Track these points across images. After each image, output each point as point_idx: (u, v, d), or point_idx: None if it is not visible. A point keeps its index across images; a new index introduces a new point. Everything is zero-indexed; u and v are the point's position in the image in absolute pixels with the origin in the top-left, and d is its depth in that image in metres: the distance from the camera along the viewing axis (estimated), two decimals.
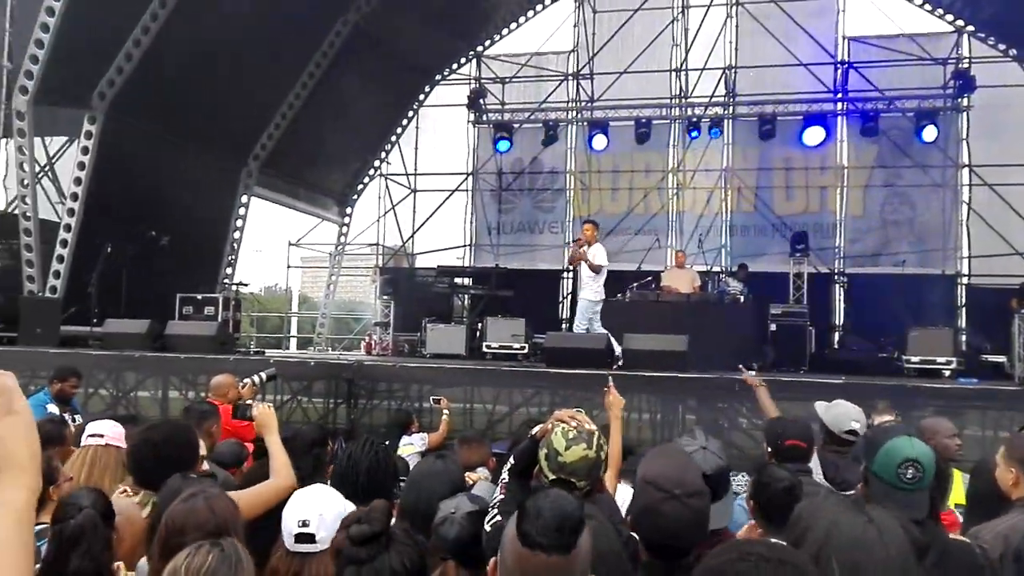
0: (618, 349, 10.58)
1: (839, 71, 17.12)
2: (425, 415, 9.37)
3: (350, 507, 2.63)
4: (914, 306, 13.62)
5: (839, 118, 17.21)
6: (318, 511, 2.54)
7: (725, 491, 2.76)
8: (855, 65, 17.00)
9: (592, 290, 11.17)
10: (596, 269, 11.00)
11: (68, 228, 12.48)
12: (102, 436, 3.69)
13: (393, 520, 2.36)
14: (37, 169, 13.06)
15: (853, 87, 16.99)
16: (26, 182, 12.37)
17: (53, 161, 14.64)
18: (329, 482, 3.03)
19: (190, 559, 2.02)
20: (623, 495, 3.32)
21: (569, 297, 17.98)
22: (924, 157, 16.39)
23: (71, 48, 11.90)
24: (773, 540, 1.63)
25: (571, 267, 11.52)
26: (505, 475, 2.66)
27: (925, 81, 16.36)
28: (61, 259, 12.41)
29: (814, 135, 16.22)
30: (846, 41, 17.31)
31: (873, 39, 16.99)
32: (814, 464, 3.97)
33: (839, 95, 17.08)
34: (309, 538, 2.51)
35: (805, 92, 16.77)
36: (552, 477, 2.45)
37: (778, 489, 2.96)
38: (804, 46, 16.59)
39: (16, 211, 12.91)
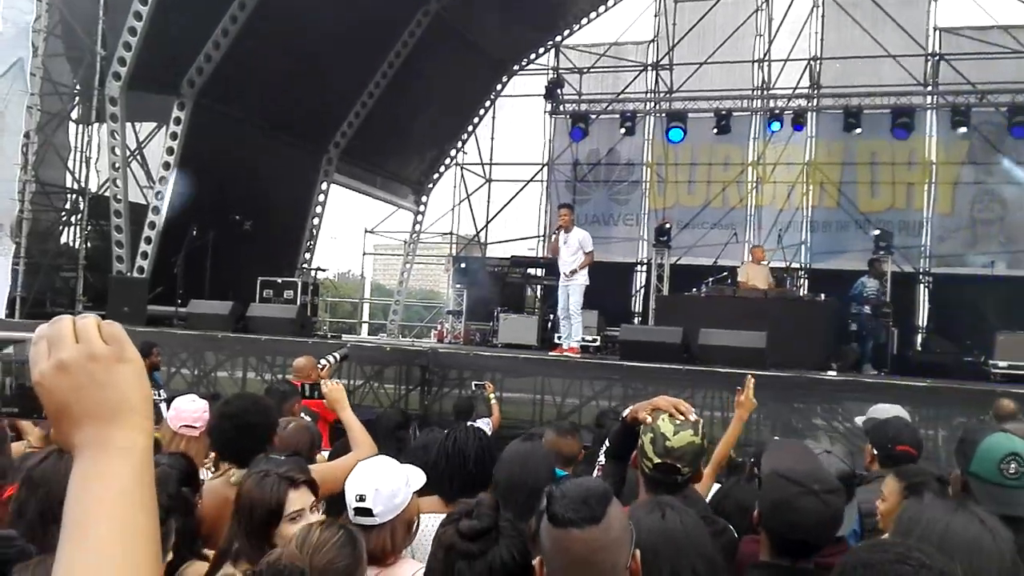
0: None
1: (929, 63, 16.55)
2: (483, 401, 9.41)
3: (412, 479, 2.65)
4: (1002, 309, 13.11)
5: (928, 112, 16.65)
6: (374, 485, 2.57)
7: (849, 498, 2.67)
8: (946, 57, 16.41)
9: (584, 274, 10.95)
10: (587, 260, 10.84)
11: (156, 211, 12.87)
12: (195, 429, 3.78)
13: None
14: (127, 153, 13.47)
15: (944, 80, 16.41)
16: (117, 166, 12.79)
17: (143, 146, 15.11)
18: (429, 467, 3.04)
19: (320, 531, 2.07)
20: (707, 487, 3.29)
21: (642, 289, 17.85)
22: (1018, 154, 15.73)
23: (162, 36, 12.25)
24: (930, 547, 1.58)
25: (553, 256, 11.37)
26: (602, 458, 2.67)
27: (1020, 75, 15.69)
28: (149, 240, 12.81)
29: (901, 132, 15.71)
30: (937, 32, 16.71)
31: (966, 30, 16.36)
32: None
33: (929, 88, 16.52)
34: (366, 512, 2.54)
35: (893, 84, 16.24)
36: (657, 461, 2.45)
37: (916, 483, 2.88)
38: (893, 37, 16.04)
39: (107, 193, 13.36)
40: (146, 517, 0.91)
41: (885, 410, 4.27)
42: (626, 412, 2.67)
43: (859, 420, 4.33)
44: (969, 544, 1.73)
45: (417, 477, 2.69)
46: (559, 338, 11.55)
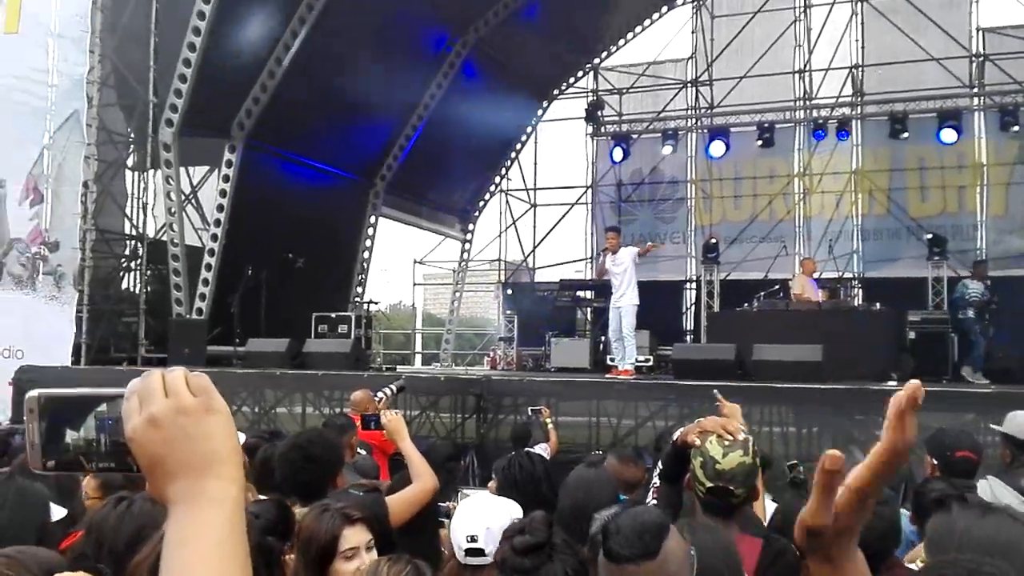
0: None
1: (974, 64, 16.30)
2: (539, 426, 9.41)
3: (515, 514, 2.69)
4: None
5: (976, 113, 16.37)
6: (485, 525, 2.59)
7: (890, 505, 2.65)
8: (992, 57, 16.14)
9: (635, 295, 11.04)
10: (644, 252, 11.13)
11: (212, 253, 13.17)
12: None
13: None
14: (182, 198, 13.83)
15: (990, 80, 16.14)
16: (173, 210, 13.13)
17: (196, 189, 15.48)
18: (500, 494, 3.09)
19: (388, 566, 2.15)
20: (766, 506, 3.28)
21: (693, 307, 17.74)
22: None
23: (211, 81, 12.60)
24: (1001, 562, 1.56)
25: (599, 277, 11.44)
26: (656, 480, 2.68)
27: None
28: (206, 282, 13.10)
29: (950, 134, 15.45)
30: (980, 33, 16.47)
31: (1010, 29, 16.09)
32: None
33: (975, 89, 16.26)
34: (478, 552, 2.57)
35: (938, 88, 16.02)
36: (709, 484, 2.45)
37: (930, 499, 2.85)
38: (935, 40, 15.83)
39: (164, 238, 13.71)
40: (239, 567, 0.93)
41: (1019, 416, 4.10)
42: (676, 435, 2.67)
43: (994, 426, 4.20)
44: (1009, 546, 1.72)
45: (517, 510, 2.72)
46: (612, 360, 11.53)
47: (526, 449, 7.14)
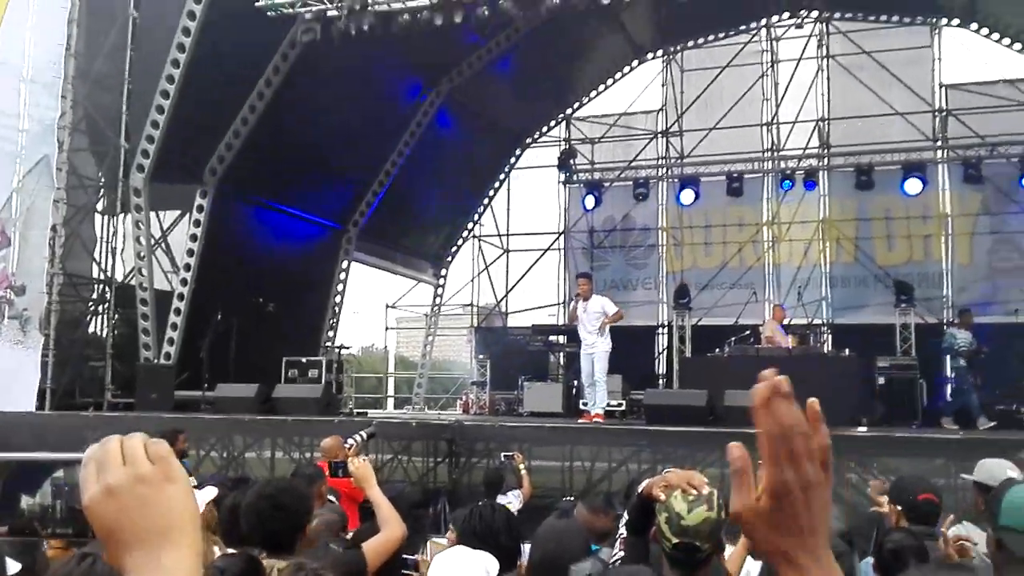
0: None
1: (937, 119, 16.74)
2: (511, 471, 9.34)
3: (491, 568, 2.66)
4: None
5: (940, 166, 16.77)
6: None
7: (844, 564, 2.64)
8: (954, 112, 16.60)
9: (607, 340, 11.12)
10: (617, 318, 11.08)
11: (181, 297, 13.06)
12: None
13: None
14: (152, 242, 13.74)
15: (953, 135, 16.57)
16: (142, 255, 13.04)
17: (167, 234, 15.41)
18: (460, 542, 3.06)
19: None
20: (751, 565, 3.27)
21: (664, 352, 17.81)
22: None
23: (184, 127, 12.60)
24: None
25: (571, 323, 11.48)
26: (623, 531, 2.67)
27: None
28: (175, 327, 12.96)
29: (915, 185, 15.79)
30: (943, 89, 16.94)
31: (972, 85, 16.59)
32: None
33: (939, 143, 16.67)
34: None
35: (903, 141, 16.42)
36: (675, 541, 2.43)
37: (887, 552, 2.85)
38: (899, 95, 16.30)
39: (133, 282, 13.59)
40: None
41: (995, 464, 4.14)
42: (641, 487, 2.67)
43: (964, 476, 4.23)
44: None
45: (493, 564, 2.69)
46: (584, 405, 11.52)
47: (498, 497, 7.13)
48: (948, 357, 12.10)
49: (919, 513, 3.62)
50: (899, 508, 3.83)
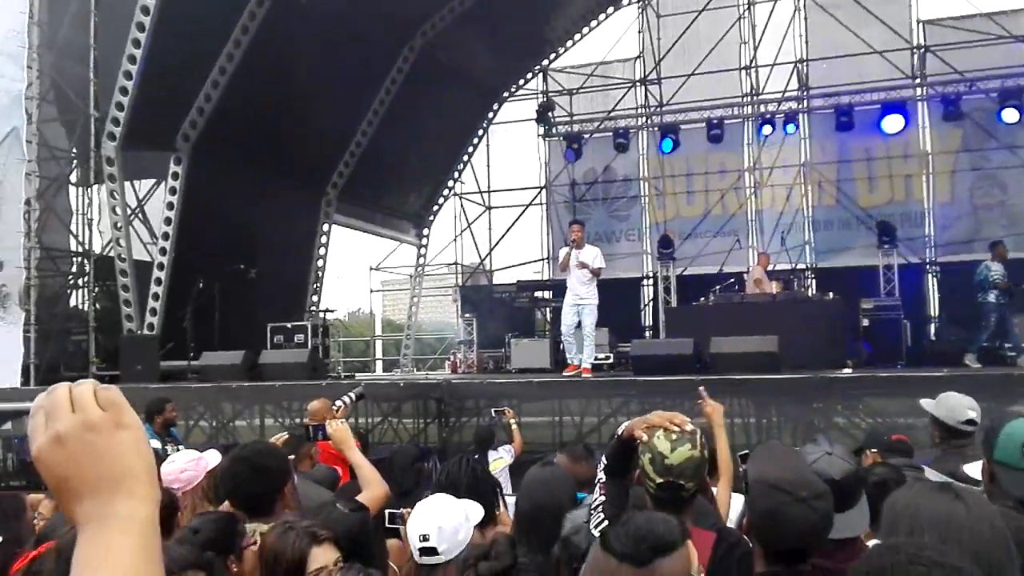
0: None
1: (916, 56, 16.63)
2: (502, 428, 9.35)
3: (471, 514, 2.65)
4: (1014, 292, 13.05)
5: (919, 104, 16.71)
6: (437, 524, 2.58)
7: (858, 497, 2.57)
8: (932, 48, 16.48)
9: (595, 293, 10.77)
10: (597, 273, 10.65)
11: (161, 267, 12.92)
12: (176, 489, 3.77)
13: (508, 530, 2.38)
14: (128, 212, 13.56)
15: (932, 71, 16.48)
16: (119, 225, 12.86)
17: (143, 203, 15.21)
18: None
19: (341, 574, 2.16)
20: (735, 502, 3.26)
21: (650, 303, 17.84)
22: (1012, 137, 15.76)
23: (153, 93, 12.34)
24: (941, 545, 1.55)
25: (563, 272, 10.96)
26: (601, 475, 2.65)
27: (1007, 60, 15.73)
28: (156, 297, 12.84)
29: (893, 123, 15.73)
30: (921, 25, 16.81)
31: (949, 21, 16.47)
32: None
33: (917, 80, 16.58)
34: (431, 551, 2.55)
35: (882, 80, 16.31)
36: (660, 480, 2.42)
37: (870, 484, 2.85)
38: (877, 33, 16.13)
39: (111, 253, 13.44)
40: None
41: (957, 401, 4.15)
42: (621, 429, 2.64)
43: (924, 403, 4.22)
44: (939, 519, 1.73)
45: (475, 511, 2.69)
46: (571, 358, 11.39)
47: (489, 453, 7.13)
48: (978, 292, 11.71)
49: (894, 452, 3.69)
50: (873, 450, 3.89)
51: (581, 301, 10.77)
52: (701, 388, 3.94)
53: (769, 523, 2.23)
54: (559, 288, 16.23)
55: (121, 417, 0.93)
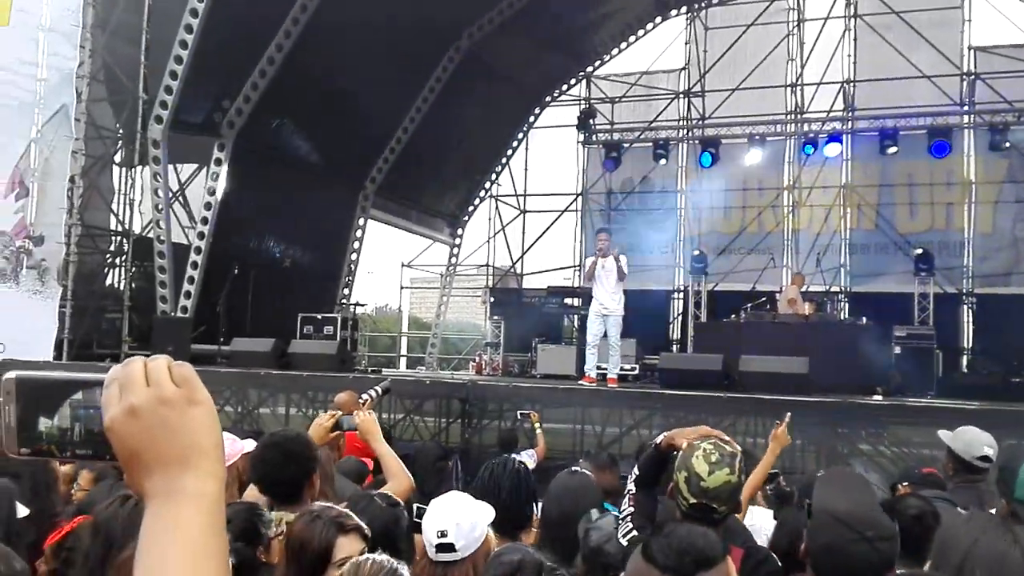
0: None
1: (965, 82, 16.40)
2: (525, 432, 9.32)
3: (485, 513, 2.66)
4: None
5: (966, 131, 16.47)
6: (454, 520, 2.58)
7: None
8: (982, 76, 16.25)
9: (621, 303, 10.69)
10: (622, 277, 10.55)
11: (198, 251, 13.08)
12: None
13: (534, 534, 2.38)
14: (170, 195, 13.73)
15: (980, 99, 16.24)
16: (160, 207, 13.04)
17: (184, 187, 15.39)
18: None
19: (370, 565, 2.18)
20: (760, 518, 3.25)
21: (680, 317, 17.75)
22: None
23: (202, 79, 12.53)
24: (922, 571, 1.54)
25: (588, 283, 10.77)
26: (632, 486, 2.65)
27: None
28: (192, 280, 13.01)
29: (941, 150, 15.44)
30: (972, 52, 16.57)
31: (1002, 48, 16.23)
32: None
33: (965, 108, 16.36)
34: (449, 548, 2.55)
35: (929, 105, 16.10)
36: (693, 501, 2.42)
37: (908, 517, 2.83)
38: (927, 57, 15.92)
39: (150, 235, 13.62)
40: (216, 566, 0.89)
41: (974, 436, 4.12)
42: (660, 439, 2.64)
43: (942, 434, 4.19)
44: (996, 557, 1.71)
45: (488, 511, 2.70)
46: (600, 368, 11.31)
47: (512, 455, 7.14)
48: None
49: (926, 486, 3.66)
50: (905, 484, 3.87)
51: (607, 312, 10.70)
52: (788, 414, 3.96)
53: (829, 557, 2.20)
54: (589, 296, 16.21)
55: (194, 394, 0.94)
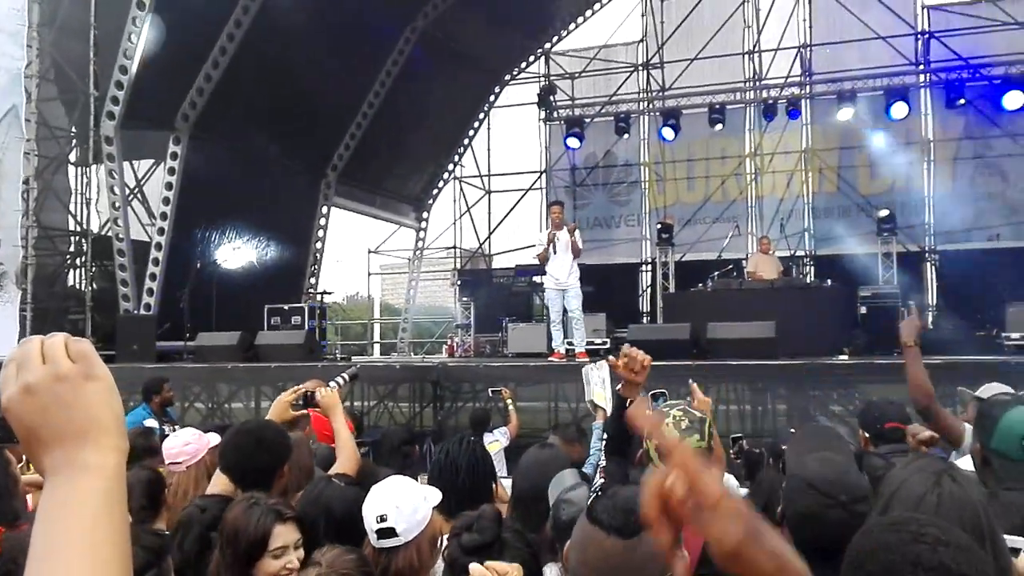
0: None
1: (920, 41, 16.50)
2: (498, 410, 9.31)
3: (430, 495, 2.62)
4: (1012, 281, 13.01)
5: (922, 90, 16.61)
6: (394, 503, 2.51)
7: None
8: (936, 34, 16.36)
9: (576, 276, 10.48)
10: (578, 254, 10.34)
11: (159, 247, 12.91)
12: (179, 464, 3.80)
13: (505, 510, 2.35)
14: (127, 192, 13.52)
15: (935, 57, 16.36)
16: (117, 205, 12.83)
17: (142, 183, 15.18)
18: (428, 482, 3.02)
19: (342, 556, 2.19)
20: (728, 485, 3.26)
21: (648, 289, 17.82)
22: (1014, 125, 15.65)
23: (153, 73, 12.30)
24: (944, 522, 1.51)
25: (545, 256, 10.32)
26: (602, 458, 2.64)
27: (1011, 47, 15.60)
28: (154, 277, 12.84)
29: (899, 110, 15.55)
30: (925, 10, 16.68)
31: (954, 6, 16.34)
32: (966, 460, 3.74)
33: (921, 66, 16.47)
34: (390, 532, 2.48)
35: (885, 66, 16.18)
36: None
37: (874, 479, 2.83)
38: (881, 18, 15.99)
39: (109, 233, 13.42)
40: (114, 542, 0.88)
41: (993, 388, 4.16)
42: (619, 387, 2.60)
43: (966, 392, 4.23)
44: (912, 500, 1.72)
45: (433, 494, 2.64)
46: (556, 346, 11.12)
47: (484, 435, 7.12)
48: None
49: (887, 440, 3.67)
50: (866, 435, 3.87)
51: (562, 285, 10.45)
52: (691, 382, 3.96)
53: (804, 524, 2.17)
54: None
55: (91, 369, 0.93)
